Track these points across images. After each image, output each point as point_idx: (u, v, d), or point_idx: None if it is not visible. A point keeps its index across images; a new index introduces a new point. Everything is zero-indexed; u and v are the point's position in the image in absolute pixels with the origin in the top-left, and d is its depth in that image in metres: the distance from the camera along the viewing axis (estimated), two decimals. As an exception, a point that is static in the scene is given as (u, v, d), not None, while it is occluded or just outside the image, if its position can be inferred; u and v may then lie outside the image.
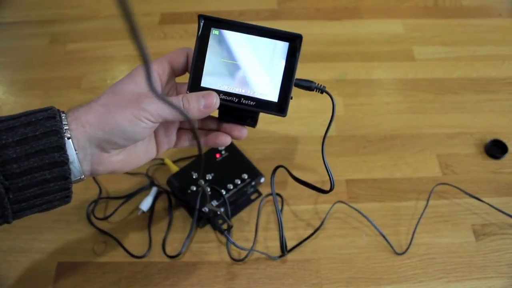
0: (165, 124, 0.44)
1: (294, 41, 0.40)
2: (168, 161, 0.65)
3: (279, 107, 0.41)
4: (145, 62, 0.21)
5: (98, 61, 0.81)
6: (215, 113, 0.43)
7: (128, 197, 0.63)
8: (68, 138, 0.34)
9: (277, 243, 0.58)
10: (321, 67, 0.79)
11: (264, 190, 0.63)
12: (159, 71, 0.40)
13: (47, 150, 0.33)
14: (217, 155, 0.62)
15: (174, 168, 0.63)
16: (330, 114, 0.43)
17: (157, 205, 0.62)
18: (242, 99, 0.41)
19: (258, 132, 0.69)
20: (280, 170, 0.53)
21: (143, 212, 0.61)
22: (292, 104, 0.41)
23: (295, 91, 0.41)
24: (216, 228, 0.59)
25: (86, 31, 0.86)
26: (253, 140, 0.69)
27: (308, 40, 0.74)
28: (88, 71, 0.79)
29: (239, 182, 0.60)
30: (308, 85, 0.42)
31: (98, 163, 0.37)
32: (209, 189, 0.59)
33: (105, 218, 0.61)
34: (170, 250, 0.58)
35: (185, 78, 0.42)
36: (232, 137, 0.45)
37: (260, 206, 0.61)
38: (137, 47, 0.20)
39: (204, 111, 0.39)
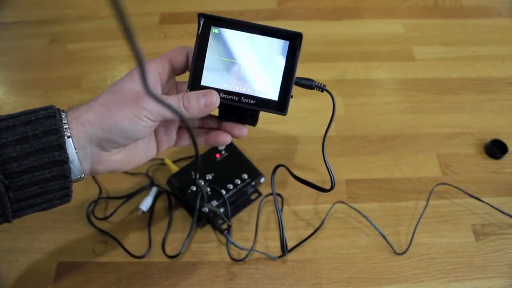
0: (165, 123, 0.44)
1: (294, 40, 0.40)
2: (168, 161, 0.65)
3: (280, 106, 0.41)
4: (140, 63, 0.21)
5: (98, 61, 0.81)
6: (215, 112, 0.43)
7: (128, 197, 0.63)
8: (68, 137, 0.34)
9: (277, 243, 0.58)
10: (321, 67, 0.79)
11: (264, 190, 0.63)
12: (159, 70, 0.40)
13: (47, 149, 0.33)
14: (217, 155, 0.62)
15: (174, 168, 0.63)
16: (330, 114, 0.43)
17: (157, 205, 0.62)
18: (242, 97, 0.41)
19: (258, 132, 0.69)
20: (280, 170, 0.53)
21: (143, 212, 0.61)
22: (292, 104, 0.41)
23: (295, 90, 0.41)
24: (216, 228, 0.59)
25: (86, 31, 0.86)
26: (253, 140, 0.69)
27: (308, 40, 0.74)
28: (88, 71, 0.79)
29: (239, 182, 0.60)
30: (308, 84, 0.42)
31: (98, 162, 0.37)
32: (209, 189, 0.59)
33: (105, 218, 0.61)
34: (170, 250, 0.58)
35: (185, 77, 0.42)
36: (233, 136, 0.45)
37: (260, 206, 0.61)
38: (131, 46, 0.20)
39: (204, 109, 0.39)
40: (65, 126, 0.35)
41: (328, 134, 0.44)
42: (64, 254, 0.58)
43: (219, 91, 0.41)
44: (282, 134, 0.70)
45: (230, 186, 0.59)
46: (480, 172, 0.66)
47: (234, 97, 0.41)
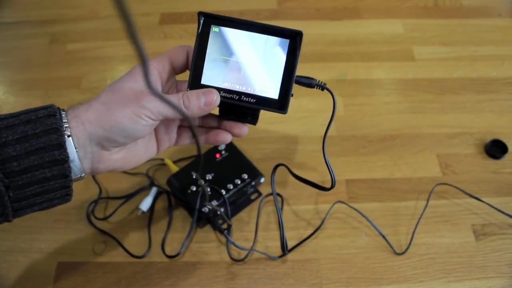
0: (165, 122, 0.44)
1: (294, 38, 0.40)
2: (168, 161, 0.65)
3: (280, 104, 0.41)
4: (143, 61, 0.21)
5: (98, 61, 0.81)
6: (216, 111, 0.43)
7: (128, 197, 0.63)
8: (68, 136, 0.34)
9: (277, 243, 0.58)
10: (321, 67, 0.79)
11: (264, 190, 0.63)
12: (159, 69, 0.40)
13: (47, 148, 0.33)
14: (217, 155, 0.62)
15: (174, 168, 0.63)
16: (330, 114, 0.43)
17: (157, 205, 0.62)
18: (243, 96, 0.41)
19: (258, 132, 0.69)
20: (281, 170, 0.53)
21: (143, 212, 0.61)
22: (292, 104, 0.41)
23: (295, 90, 0.41)
24: (216, 228, 0.59)
25: (86, 31, 0.86)
26: (253, 140, 0.69)
27: (308, 40, 0.74)
28: (88, 71, 0.79)
29: (239, 182, 0.60)
30: (308, 82, 0.42)
31: (98, 161, 0.37)
32: (209, 189, 0.59)
33: (105, 218, 0.61)
34: (170, 250, 0.58)
35: (185, 76, 0.42)
36: (233, 134, 0.45)
37: (260, 206, 0.61)
38: (134, 45, 0.20)
39: (204, 108, 0.39)
40: (65, 125, 0.34)
41: (328, 134, 0.44)
42: (64, 254, 0.58)
43: (219, 89, 0.41)
44: (282, 134, 0.70)
45: (230, 186, 0.59)
46: (480, 172, 0.66)
47: (234, 95, 0.41)
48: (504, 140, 0.67)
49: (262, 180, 0.62)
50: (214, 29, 0.41)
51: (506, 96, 0.75)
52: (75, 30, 0.86)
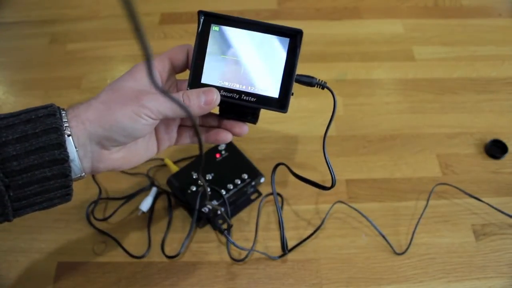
0: (165, 121, 0.44)
1: (294, 37, 0.40)
2: (168, 161, 0.65)
3: (280, 103, 0.41)
4: (147, 58, 0.21)
5: (98, 61, 0.81)
6: (216, 110, 0.43)
7: (128, 198, 0.62)
8: (68, 136, 0.34)
9: (277, 243, 0.58)
10: (321, 67, 0.79)
11: (264, 190, 0.63)
12: (160, 68, 0.40)
13: (47, 147, 0.33)
14: (217, 155, 0.62)
15: (174, 168, 0.63)
16: (330, 114, 0.43)
17: (157, 205, 0.62)
18: (243, 95, 0.41)
19: (258, 131, 0.69)
20: (281, 170, 0.53)
21: (143, 212, 0.60)
22: (292, 104, 0.41)
23: (295, 90, 0.41)
24: (216, 228, 0.59)
25: (86, 31, 0.86)
26: (253, 140, 0.69)
27: (308, 40, 0.74)
28: (88, 71, 0.79)
29: (239, 182, 0.60)
30: (309, 81, 0.42)
31: (98, 161, 0.37)
32: (209, 189, 0.59)
33: (104, 219, 0.61)
34: (170, 250, 0.58)
35: (185, 75, 0.42)
36: (233, 133, 0.45)
37: (260, 206, 0.61)
38: (140, 43, 0.20)
39: (204, 107, 0.39)
40: (65, 125, 0.34)
41: (328, 134, 0.44)
42: (64, 254, 0.58)
43: (219, 88, 0.41)
44: (282, 134, 0.70)
45: (230, 186, 0.59)
46: (480, 172, 0.66)
47: (235, 94, 0.41)
48: (504, 140, 0.67)
49: (262, 180, 0.62)
50: (214, 28, 0.40)
51: (506, 96, 0.75)
52: (75, 30, 0.86)
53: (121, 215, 0.62)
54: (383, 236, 0.59)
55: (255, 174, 0.61)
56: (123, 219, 0.61)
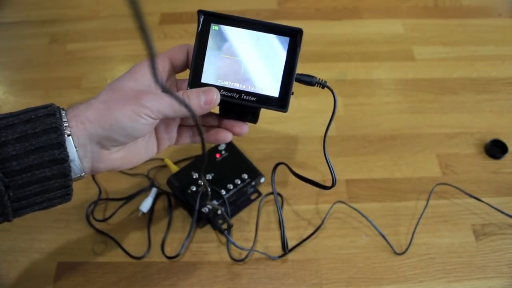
0: (165, 121, 0.44)
1: (294, 36, 0.40)
2: (168, 161, 0.64)
3: (280, 103, 0.41)
4: (151, 57, 0.22)
5: (98, 61, 0.81)
6: (216, 110, 0.43)
7: (128, 198, 0.62)
8: (68, 135, 0.34)
9: (277, 243, 0.58)
10: (321, 67, 0.79)
11: (264, 190, 0.63)
12: (160, 68, 0.40)
13: (47, 147, 0.33)
14: (217, 155, 0.62)
15: (174, 168, 0.63)
16: (330, 113, 0.43)
17: (157, 205, 0.62)
18: (243, 94, 0.41)
19: (258, 131, 0.69)
20: (281, 170, 0.53)
21: (143, 213, 0.60)
22: (292, 104, 0.41)
23: (295, 90, 0.41)
24: (216, 228, 0.59)
25: (86, 31, 0.86)
26: (253, 140, 0.69)
27: (308, 40, 0.74)
28: (88, 71, 0.79)
29: (239, 182, 0.60)
30: (309, 80, 0.42)
31: (98, 160, 0.37)
32: (209, 189, 0.59)
33: (104, 220, 0.61)
34: (170, 250, 0.58)
35: (185, 75, 0.42)
36: (233, 133, 0.44)
37: (260, 206, 0.61)
38: (145, 41, 0.20)
39: (204, 107, 0.39)
40: (65, 124, 0.34)
41: (328, 134, 0.44)
42: (64, 254, 0.58)
43: (219, 88, 0.41)
44: (282, 134, 0.70)
45: (230, 186, 0.59)
46: (480, 172, 0.66)
47: (235, 94, 0.41)
48: (504, 140, 0.67)
49: (262, 180, 0.62)
50: (214, 27, 0.40)
51: (506, 96, 0.75)
52: (75, 30, 0.86)
53: (121, 215, 0.61)
54: (383, 236, 0.59)
55: (255, 174, 0.61)
56: (123, 219, 0.61)
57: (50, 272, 0.57)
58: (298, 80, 0.42)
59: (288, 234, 0.59)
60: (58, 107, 0.35)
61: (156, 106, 0.36)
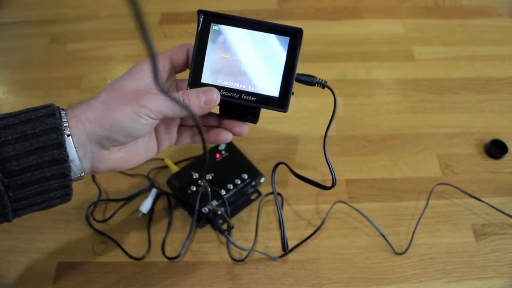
0: (165, 121, 0.44)
1: (294, 36, 0.40)
2: (168, 161, 0.64)
3: (280, 103, 0.41)
4: (152, 58, 0.22)
5: (98, 61, 0.81)
6: (216, 110, 0.43)
7: (128, 199, 0.62)
8: (68, 136, 0.34)
9: (277, 243, 0.58)
10: (321, 67, 0.79)
11: (264, 190, 0.63)
12: (159, 68, 0.40)
13: (46, 147, 0.33)
14: (217, 155, 0.62)
15: (174, 168, 0.63)
16: (330, 114, 0.43)
17: (157, 205, 0.62)
18: (243, 94, 0.41)
19: (258, 132, 0.69)
20: (281, 170, 0.53)
21: (143, 214, 0.60)
22: (292, 104, 0.41)
23: (295, 89, 0.41)
24: (216, 228, 0.59)
25: (86, 31, 0.86)
26: (253, 140, 0.69)
27: (308, 40, 0.74)
28: (88, 71, 0.79)
29: (239, 182, 0.60)
30: (309, 80, 0.42)
31: (98, 161, 0.37)
32: (209, 189, 0.58)
33: (104, 221, 0.61)
34: (170, 250, 0.58)
35: (185, 75, 0.42)
36: (233, 133, 0.44)
37: (260, 206, 0.61)
38: (145, 42, 0.20)
39: (204, 107, 0.39)
40: (64, 125, 0.34)
41: (328, 134, 0.44)
42: (64, 254, 0.58)
43: (219, 88, 0.41)
44: (282, 134, 0.70)
45: (230, 186, 0.59)
46: (480, 172, 0.66)
47: (235, 94, 0.41)
48: (504, 140, 0.67)
49: (262, 180, 0.62)
50: (214, 27, 0.40)
51: (506, 96, 0.75)
52: (75, 30, 0.86)
53: (121, 216, 0.61)
54: (384, 236, 0.59)
55: (255, 174, 0.61)
56: (123, 220, 0.61)
57: (50, 272, 0.57)
58: (298, 80, 0.42)
59: (288, 234, 0.59)
60: (58, 107, 0.35)
61: (156, 106, 0.36)
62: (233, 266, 0.57)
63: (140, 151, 0.42)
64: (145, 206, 0.61)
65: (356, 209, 0.61)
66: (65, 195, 0.36)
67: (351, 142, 0.69)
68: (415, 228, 0.59)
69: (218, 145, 0.63)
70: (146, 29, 0.20)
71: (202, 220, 0.58)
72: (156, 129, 0.43)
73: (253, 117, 0.44)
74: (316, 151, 0.68)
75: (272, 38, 0.40)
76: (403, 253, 0.58)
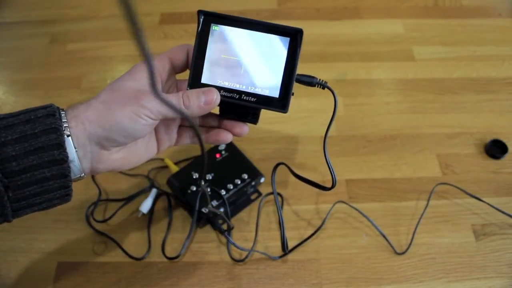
0: (165, 122, 0.44)
1: (295, 36, 0.40)
2: (168, 161, 0.64)
3: (281, 103, 0.41)
4: (148, 61, 0.21)
5: (98, 61, 0.81)
6: (216, 110, 0.43)
7: (128, 199, 0.62)
8: (68, 136, 0.34)
9: (277, 243, 0.58)
10: (321, 67, 0.79)
11: (264, 190, 0.63)
12: (159, 68, 0.40)
13: (46, 147, 0.33)
14: (217, 155, 0.62)
15: (174, 168, 0.63)
16: (330, 114, 0.43)
17: (157, 205, 0.62)
18: (243, 95, 0.41)
19: (258, 132, 0.69)
20: (281, 170, 0.53)
21: (143, 214, 0.60)
22: (292, 104, 0.41)
23: (295, 90, 0.41)
24: (216, 228, 0.59)
25: (86, 31, 0.86)
26: (253, 140, 0.69)
27: (308, 40, 0.74)
28: (88, 71, 0.79)
29: (239, 182, 0.60)
30: (309, 81, 0.42)
31: (98, 161, 0.37)
32: (209, 189, 0.59)
33: (104, 221, 0.61)
34: (170, 251, 0.58)
35: (185, 75, 0.42)
36: (233, 134, 0.44)
37: (260, 206, 0.61)
38: (140, 49, 0.20)
39: (204, 107, 0.39)
40: (64, 125, 0.34)
41: (328, 134, 0.44)
42: (64, 254, 0.58)
43: (219, 88, 0.41)
44: (282, 134, 0.70)
45: (230, 186, 0.59)
46: (480, 172, 0.66)
47: (235, 94, 0.41)
48: (504, 140, 0.67)
49: (262, 180, 0.62)
50: (214, 27, 0.40)
51: (506, 96, 0.75)
52: (75, 30, 0.86)
53: (121, 216, 0.61)
54: (384, 236, 0.59)
55: (255, 174, 0.61)
56: (123, 220, 0.61)
57: (50, 272, 0.57)
58: (299, 81, 0.41)
59: (288, 234, 0.59)
60: (58, 108, 0.35)
61: (156, 107, 0.36)
62: (233, 266, 0.57)
63: (140, 152, 0.42)
64: (145, 206, 0.61)
65: (356, 209, 0.61)
66: (65, 195, 0.36)
67: (351, 142, 0.69)
68: (415, 228, 0.59)
69: (218, 145, 0.63)
70: (140, 35, 0.20)
71: (202, 220, 0.58)
72: (156, 130, 0.43)
73: (253, 118, 0.43)
74: (316, 151, 0.68)
75: (272, 38, 0.40)
76: (403, 253, 0.58)
